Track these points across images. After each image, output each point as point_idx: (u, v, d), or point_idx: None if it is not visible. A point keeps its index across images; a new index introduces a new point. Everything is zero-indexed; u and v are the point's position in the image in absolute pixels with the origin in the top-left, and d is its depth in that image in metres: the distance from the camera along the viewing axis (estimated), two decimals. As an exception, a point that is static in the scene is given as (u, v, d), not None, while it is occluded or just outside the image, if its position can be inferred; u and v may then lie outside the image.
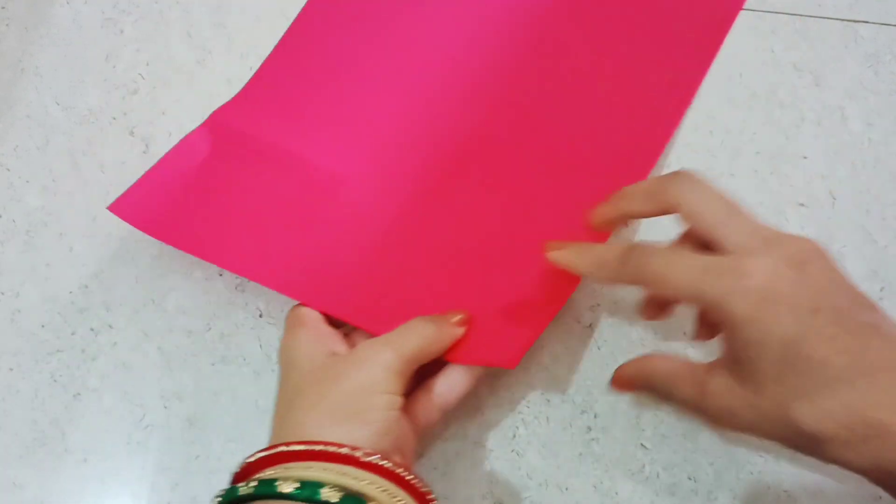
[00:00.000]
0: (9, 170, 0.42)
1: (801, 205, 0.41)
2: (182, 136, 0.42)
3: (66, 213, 0.41)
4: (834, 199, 0.42)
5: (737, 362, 0.28)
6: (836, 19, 0.44)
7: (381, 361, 0.31)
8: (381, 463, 0.27)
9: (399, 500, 0.27)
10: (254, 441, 0.38)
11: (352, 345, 0.35)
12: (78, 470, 0.37)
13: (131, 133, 0.42)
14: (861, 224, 0.41)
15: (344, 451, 0.27)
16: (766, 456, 0.38)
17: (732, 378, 0.28)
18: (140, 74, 0.43)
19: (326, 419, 0.29)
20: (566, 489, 0.38)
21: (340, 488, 0.26)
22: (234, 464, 0.38)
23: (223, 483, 0.37)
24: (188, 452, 0.38)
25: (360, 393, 0.30)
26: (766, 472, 0.38)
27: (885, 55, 0.44)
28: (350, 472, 0.27)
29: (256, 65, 0.43)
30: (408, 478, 0.28)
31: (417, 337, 0.33)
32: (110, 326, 0.40)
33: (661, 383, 0.32)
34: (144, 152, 0.42)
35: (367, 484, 0.27)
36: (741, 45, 0.44)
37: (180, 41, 0.44)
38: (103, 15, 0.44)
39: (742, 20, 0.44)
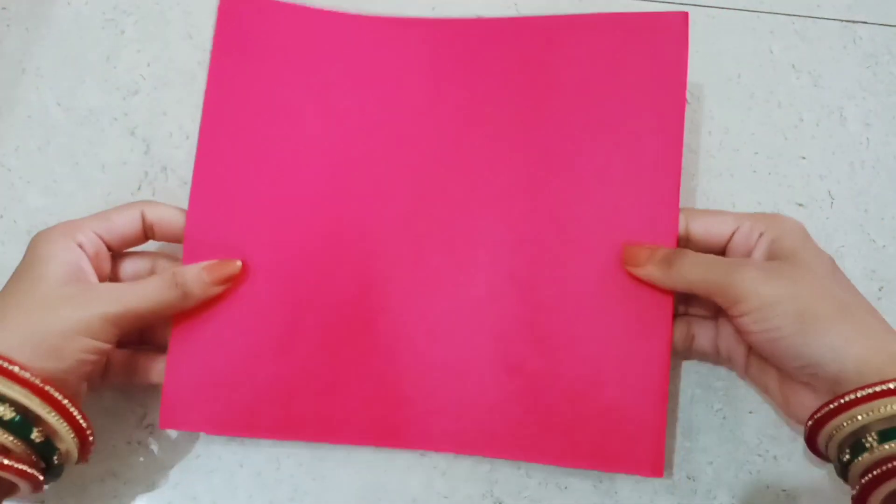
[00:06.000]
0: (10, 170, 0.42)
1: (800, 205, 0.42)
2: (182, 136, 0.42)
3: (67, 214, 0.41)
4: (832, 199, 0.42)
5: None
6: (835, 20, 0.44)
7: (100, 310, 0.32)
8: (54, 394, 0.30)
9: (66, 429, 0.31)
10: (253, 439, 0.38)
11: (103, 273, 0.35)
12: (78, 469, 0.37)
13: (132, 133, 0.42)
14: (859, 224, 0.41)
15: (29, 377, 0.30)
16: (765, 455, 0.38)
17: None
18: (141, 75, 0.43)
19: (28, 349, 0.31)
20: (566, 488, 0.38)
21: (13, 403, 0.30)
22: (234, 462, 0.38)
23: (224, 482, 0.38)
24: (188, 452, 0.38)
25: (66, 334, 0.31)
26: (765, 472, 0.38)
27: (883, 56, 0.44)
28: (27, 394, 0.30)
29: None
30: (71, 410, 0.31)
31: (154, 295, 0.34)
32: (111, 326, 0.40)
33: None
34: (145, 153, 0.42)
35: (38, 405, 0.30)
36: (740, 45, 0.44)
37: (181, 42, 0.44)
38: (104, 16, 0.44)
39: (740, 21, 0.44)
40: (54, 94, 0.43)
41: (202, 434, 0.38)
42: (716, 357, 0.37)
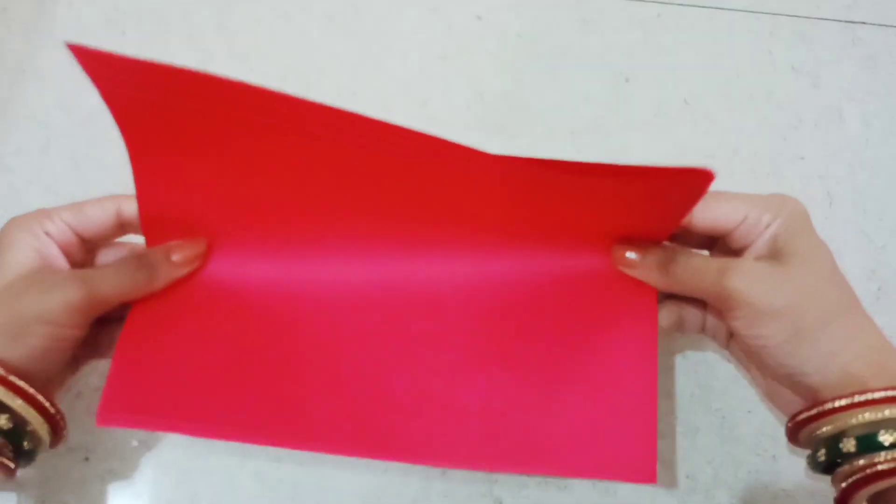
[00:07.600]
0: (11, 171, 0.42)
1: (799, 205, 0.42)
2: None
3: (67, 214, 0.41)
4: (831, 199, 0.42)
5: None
6: (834, 20, 0.45)
7: (65, 297, 0.31)
8: (17, 383, 0.30)
9: (35, 416, 0.30)
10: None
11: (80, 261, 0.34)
12: (79, 469, 0.37)
13: (133, 134, 0.42)
14: (858, 224, 0.41)
15: None
16: (763, 454, 0.38)
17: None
18: (141, 76, 0.43)
19: None
20: (565, 487, 0.38)
21: None
22: (234, 462, 0.38)
23: (225, 482, 0.38)
24: (189, 452, 0.38)
25: (28, 322, 0.31)
26: (764, 471, 0.38)
27: (882, 56, 0.44)
28: None
29: (258, 66, 0.43)
30: (38, 398, 0.30)
31: (121, 279, 0.33)
32: (112, 326, 0.40)
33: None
34: (146, 153, 0.42)
35: (3, 394, 0.29)
36: (739, 46, 0.44)
37: (181, 43, 0.44)
38: (105, 16, 0.44)
39: (740, 22, 0.44)
40: (55, 94, 0.43)
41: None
42: (701, 332, 0.37)
